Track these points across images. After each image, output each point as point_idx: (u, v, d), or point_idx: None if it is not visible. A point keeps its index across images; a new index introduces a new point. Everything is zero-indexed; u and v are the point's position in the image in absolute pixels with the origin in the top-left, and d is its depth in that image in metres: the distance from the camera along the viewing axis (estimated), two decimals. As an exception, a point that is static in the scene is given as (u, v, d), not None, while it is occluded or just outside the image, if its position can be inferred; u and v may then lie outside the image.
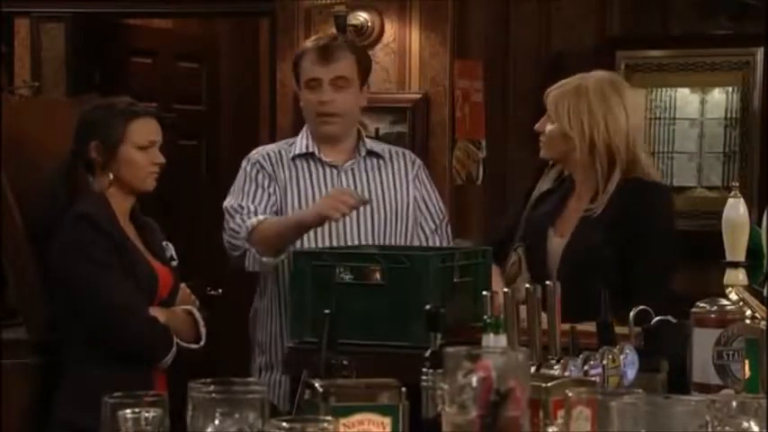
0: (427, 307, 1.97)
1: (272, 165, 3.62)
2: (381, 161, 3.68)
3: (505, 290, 1.92)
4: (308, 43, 3.74)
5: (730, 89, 5.61)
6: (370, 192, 3.61)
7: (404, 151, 3.80)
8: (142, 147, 3.31)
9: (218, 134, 6.76)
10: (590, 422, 1.48)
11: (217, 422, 1.41)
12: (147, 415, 1.50)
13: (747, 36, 5.63)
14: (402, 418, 1.44)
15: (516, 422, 1.28)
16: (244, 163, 3.66)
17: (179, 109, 6.67)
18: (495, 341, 1.81)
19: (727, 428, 1.49)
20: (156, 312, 3.21)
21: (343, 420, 1.43)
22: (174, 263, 3.38)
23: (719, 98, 5.64)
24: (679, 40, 5.78)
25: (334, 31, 5.33)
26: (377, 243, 3.54)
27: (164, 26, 6.89)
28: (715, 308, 2.11)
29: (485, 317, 1.84)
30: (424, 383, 1.79)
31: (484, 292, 1.90)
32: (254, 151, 3.71)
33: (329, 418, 1.38)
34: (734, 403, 1.51)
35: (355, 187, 3.59)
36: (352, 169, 3.64)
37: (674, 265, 3.35)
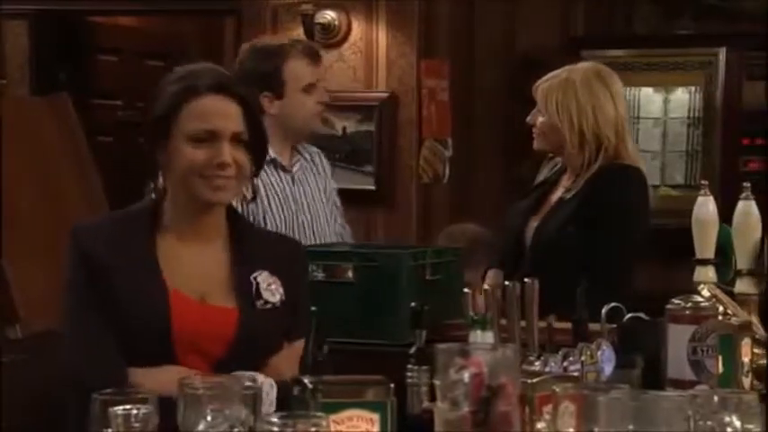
0: (412, 304, 1.99)
1: None
2: (312, 160, 3.69)
3: (486, 287, 1.94)
4: (283, 44, 3.62)
5: (693, 89, 5.66)
6: (315, 193, 3.62)
7: (317, 149, 3.78)
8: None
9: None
10: (575, 417, 1.50)
11: (208, 418, 1.42)
12: (137, 412, 1.50)
13: (710, 36, 5.70)
14: (391, 414, 1.46)
15: (507, 417, 1.30)
16: None
17: (144, 107, 6.66)
18: (482, 338, 1.83)
19: (709, 423, 1.52)
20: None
21: (332, 417, 1.44)
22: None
23: (682, 97, 5.70)
24: (642, 39, 5.84)
25: (302, 32, 5.34)
26: (319, 242, 3.54)
27: (129, 24, 6.87)
28: (689, 304, 2.14)
29: (471, 314, 1.86)
30: (410, 380, 1.81)
31: (465, 290, 1.91)
32: None
33: (320, 414, 1.40)
34: (715, 399, 1.54)
35: (306, 190, 3.59)
36: (301, 171, 3.62)
37: (633, 243, 3.37)
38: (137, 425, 1.50)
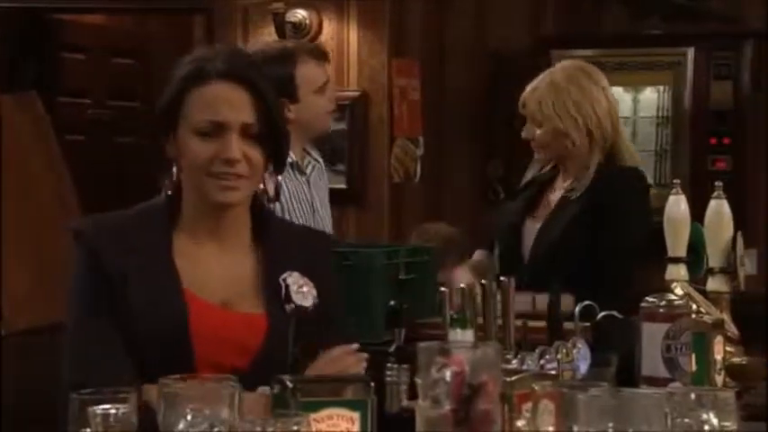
0: (391, 303, 1.99)
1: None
2: (320, 164, 3.70)
3: (462, 286, 1.94)
4: (290, 47, 3.58)
5: (662, 88, 5.70)
6: (323, 197, 3.65)
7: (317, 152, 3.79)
8: None
9: (152, 131, 6.71)
10: (554, 415, 1.51)
11: (188, 417, 1.42)
12: (115, 411, 1.50)
13: (678, 36, 5.73)
14: (371, 412, 1.46)
15: (488, 415, 1.31)
16: None
17: (114, 105, 6.63)
18: (462, 336, 1.83)
19: (686, 421, 1.53)
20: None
21: (312, 416, 1.44)
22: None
23: (651, 97, 5.73)
24: (612, 39, 5.86)
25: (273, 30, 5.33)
26: None
27: (97, 22, 6.83)
28: (663, 303, 2.15)
29: (451, 312, 1.86)
30: (389, 378, 1.82)
31: (441, 288, 1.92)
32: None
33: (301, 413, 1.40)
34: (692, 396, 1.55)
35: (318, 193, 3.60)
36: (313, 175, 3.63)
37: (639, 244, 3.36)
38: (116, 424, 1.49)
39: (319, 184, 3.64)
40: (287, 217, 3.43)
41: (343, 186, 5.51)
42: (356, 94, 5.64)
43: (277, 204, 3.41)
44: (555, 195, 3.41)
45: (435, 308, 3.25)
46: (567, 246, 3.24)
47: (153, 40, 6.84)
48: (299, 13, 5.67)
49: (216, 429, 1.41)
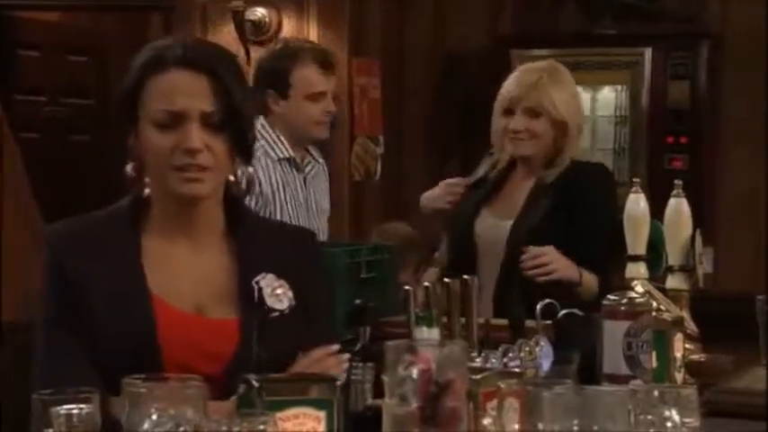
0: (357, 301, 1.99)
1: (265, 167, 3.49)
2: (323, 167, 3.70)
3: (426, 284, 1.95)
4: (300, 47, 3.56)
5: (620, 88, 5.74)
6: (321, 199, 3.66)
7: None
8: None
9: (108, 129, 6.67)
10: (519, 413, 1.52)
11: (153, 417, 1.41)
12: (78, 411, 1.48)
13: (636, 36, 5.78)
14: (337, 411, 1.46)
15: (455, 413, 1.31)
16: None
17: (69, 103, 6.57)
18: (428, 334, 1.84)
19: (649, 417, 1.54)
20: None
21: (278, 415, 1.44)
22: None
23: (609, 96, 5.77)
24: (570, 39, 5.90)
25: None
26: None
27: (52, 19, 6.77)
28: (625, 301, 2.16)
29: (417, 311, 1.86)
30: (354, 377, 1.81)
31: (405, 287, 1.92)
32: None
33: (267, 412, 1.40)
34: (655, 393, 1.57)
35: (316, 194, 3.60)
36: (312, 175, 3.63)
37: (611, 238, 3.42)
38: (79, 424, 1.48)
39: (316, 184, 3.64)
40: (276, 211, 3.42)
41: (302, 185, 5.50)
42: (316, 92, 5.63)
43: (268, 197, 3.42)
44: (519, 192, 3.43)
45: (397, 306, 3.27)
46: (544, 242, 3.29)
47: (108, 38, 6.78)
48: (259, 11, 5.65)
49: (181, 429, 1.40)
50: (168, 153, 1.87)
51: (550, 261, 3.19)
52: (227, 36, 5.55)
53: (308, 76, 3.49)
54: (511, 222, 3.36)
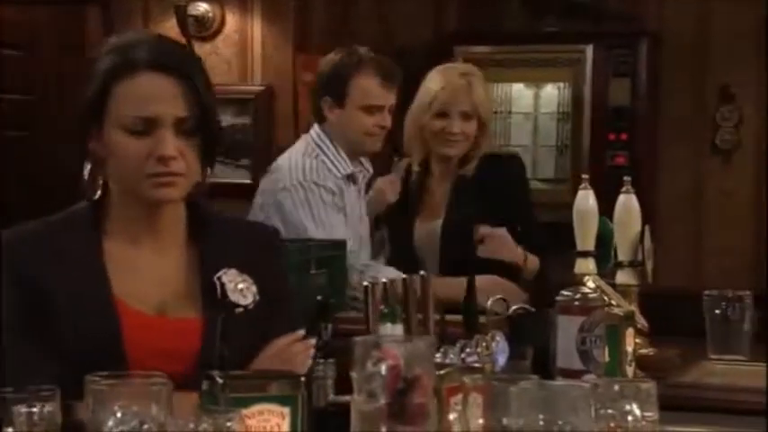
0: (318, 298, 1.99)
1: (339, 189, 3.44)
2: (369, 172, 3.66)
3: (384, 280, 1.95)
4: (363, 56, 3.47)
5: (562, 85, 5.77)
6: (364, 206, 3.63)
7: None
8: None
9: (48, 125, 6.57)
10: (481, 408, 1.53)
11: (117, 415, 1.40)
12: (39, 410, 1.47)
13: (578, 34, 5.82)
14: (301, 407, 1.46)
15: (423, 408, 1.32)
16: (314, 188, 3.38)
17: (7, 99, 6.48)
18: (392, 330, 1.84)
19: (609, 411, 1.56)
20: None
21: (242, 411, 1.44)
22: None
23: (552, 93, 5.80)
24: (513, 36, 5.93)
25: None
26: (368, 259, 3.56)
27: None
28: (578, 296, 2.19)
29: (381, 307, 1.87)
30: (316, 373, 1.82)
31: (364, 283, 1.92)
32: (308, 168, 3.40)
33: (233, 409, 1.39)
34: (615, 387, 1.58)
35: (364, 203, 3.59)
36: (363, 183, 3.62)
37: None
38: (40, 423, 1.47)
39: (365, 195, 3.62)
40: (344, 229, 3.37)
41: (248, 181, 5.48)
42: (260, 88, 5.61)
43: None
44: (441, 190, 3.55)
45: (348, 303, 3.28)
46: (472, 233, 3.37)
47: (40, 31, 6.63)
48: (202, 6, 5.62)
49: (146, 426, 1.39)
50: (141, 159, 1.84)
51: (503, 242, 3.30)
52: (169, 32, 5.49)
53: (366, 86, 3.42)
54: (440, 222, 3.47)
